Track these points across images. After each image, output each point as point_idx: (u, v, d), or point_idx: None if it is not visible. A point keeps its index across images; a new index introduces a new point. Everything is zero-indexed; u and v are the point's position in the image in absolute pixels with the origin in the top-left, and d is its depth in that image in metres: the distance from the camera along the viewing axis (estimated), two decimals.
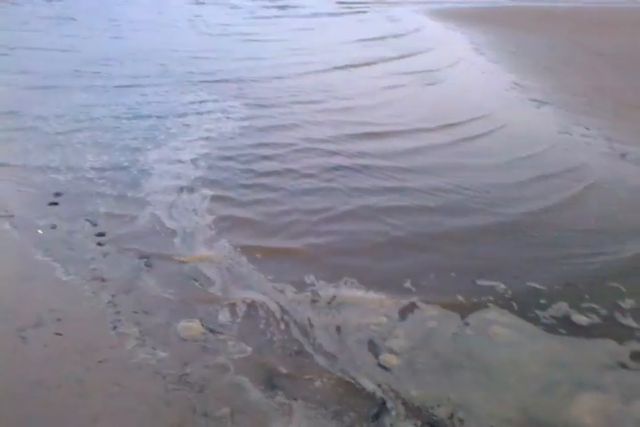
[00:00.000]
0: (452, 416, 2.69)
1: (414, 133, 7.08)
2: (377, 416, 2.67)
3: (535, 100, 8.82)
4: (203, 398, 2.73)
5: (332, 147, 6.52)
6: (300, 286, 3.74)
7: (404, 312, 3.46)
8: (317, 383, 2.88)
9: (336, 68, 11.02)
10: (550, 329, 3.38)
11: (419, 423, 2.64)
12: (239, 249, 4.15)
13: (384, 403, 2.75)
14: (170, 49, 12.34)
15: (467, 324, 3.38)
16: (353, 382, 2.89)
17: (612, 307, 3.62)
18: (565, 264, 4.12)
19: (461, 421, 2.67)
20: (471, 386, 2.89)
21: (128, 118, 7.46)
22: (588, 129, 7.69)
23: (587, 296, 3.74)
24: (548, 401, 2.81)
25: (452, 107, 8.58)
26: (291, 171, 5.76)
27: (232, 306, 3.49)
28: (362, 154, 6.27)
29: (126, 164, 5.81)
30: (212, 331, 3.24)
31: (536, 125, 7.76)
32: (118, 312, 3.41)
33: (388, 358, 3.10)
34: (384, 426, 2.63)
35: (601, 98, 9.11)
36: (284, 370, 2.97)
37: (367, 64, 11.58)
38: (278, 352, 3.10)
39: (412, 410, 2.72)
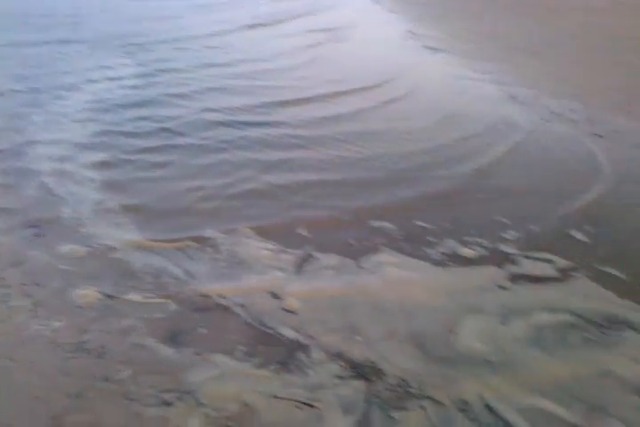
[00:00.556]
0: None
1: (332, 99, 7.03)
2: (284, 363, 2.77)
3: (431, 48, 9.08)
4: (103, 363, 2.71)
5: (241, 116, 6.31)
6: (200, 240, 3.76)
7: (302, 264, 3.59)
8: (225, 335, 2.95)
9: (245, 26, 10.53)
10: (439, 263, 3.65)
11: (333, 365, 2.78)
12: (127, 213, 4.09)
13: (296, 346, 2.87)
14: (49, 8, 11.06)
15: (361, 267, 3.57)
16: (261, 327, 2.98)
17: (496, 239, 3.98)
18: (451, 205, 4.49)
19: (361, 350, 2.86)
20: (368, 322, 3.08)
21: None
22: (481, 73, 8.05)
23: (472, 231, 4.07)
24: (435, 328, 3.06)
25: (360, 66, 8.61)
26: (186, 145, 5.56)
27: (128, 271, 3.42)
28: (278, 124, 6.12)
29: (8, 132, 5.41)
30: (109, 296, 3.18)
31: (432, 74, 8.01)
32: (8, 286, 3.25)
33: (290, 303, 3.22)
34: (301, 369, 2.74)
35: (492, 43, 9.44)
36: (188, 326, 3.00)
37: (277, 22, 11.15)
38: (179, 310, 3.11)
39: (324, 351, 2.86)
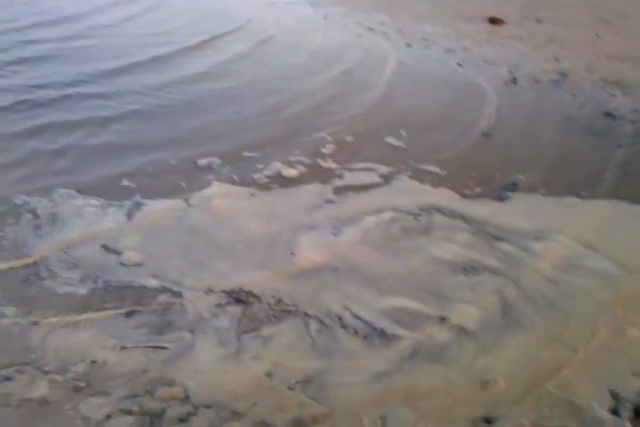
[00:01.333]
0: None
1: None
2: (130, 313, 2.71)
3: None
4: None
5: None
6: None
7: (132, 213, 3.45)
8: (62, 293, 2.80)
9: None
10: (265, 188, 3.76)
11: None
12: None
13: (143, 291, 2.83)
14: None
15: (190, 205, 3.53)
16: (100, 280, 2.88)
17: (316, 155, 4.17)
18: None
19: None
20: (204, 262, 3.10)
21: None
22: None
23: (295, 151, 4.20)
24: (276, 253, 3.18)
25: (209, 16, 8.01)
26: None
27: None
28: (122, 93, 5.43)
29: None
30: None
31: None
32: None
33: (129, 257, 3.10)
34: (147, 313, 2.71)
35: None
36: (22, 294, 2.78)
37: None
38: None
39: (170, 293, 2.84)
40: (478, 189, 3.73)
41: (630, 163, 4.06)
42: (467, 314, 2.72)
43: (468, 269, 3.02)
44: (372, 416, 2.19)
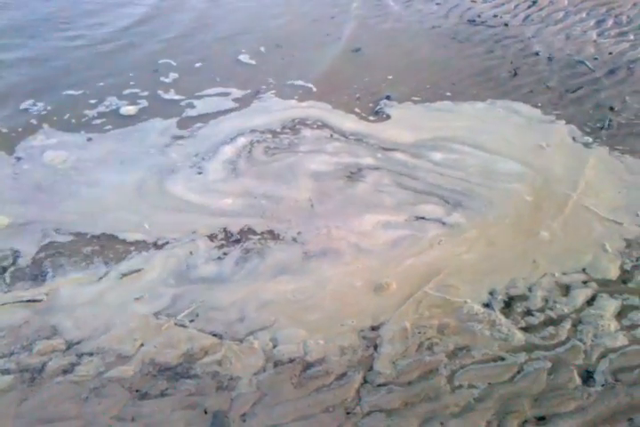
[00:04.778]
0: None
1: None
2: None
3: None
4: None
5: None
6: None
7: None
8: None
9: None
10: (101, 131, 3.36)
11: None
12: None
13: None
14: None
15: (19, 159, 3.14)
16: None
17: (155, 86, 3.77)
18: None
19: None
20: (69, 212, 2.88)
21: None
22: None
23: (131, 83, 3.80)
24: (156, 203, 2.98)
25: None
26: None
27: None
28: None
29: None
30: None
31: None
32: None
33: None
34: None
35: None
36: None
37: None
38: None
39: None
40: (350, 103, 3.62)
41: (493, 67, 4.09)
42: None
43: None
44: (263, 339, 2.22)
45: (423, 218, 2.78)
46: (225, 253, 2.58)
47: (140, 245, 2.62)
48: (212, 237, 2.67)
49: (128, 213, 2.80)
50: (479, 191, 2.95)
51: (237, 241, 2.64)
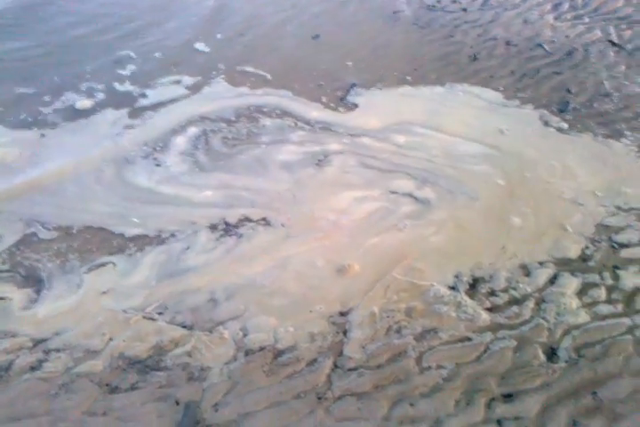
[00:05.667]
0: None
1: None
2: None
3: None
4: None
5: None
6: None
7: None
8: None
9: None
10: (56, 127, 3.30)
11: None
12: None
13: None
14: None
15: None
16: None
17: (112, 78, 3.72)
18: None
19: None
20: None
21: None
22: None
23: (88, 76, 3.75)
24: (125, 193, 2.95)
25: None
26: None
27: None
28: None
29: None
30: None
31: None
32: None
33: None
34: None
35: None
36: None
37: None
38: None
39: None
40: (314, 91, 3.61)
41: (454, 52, 4.11)
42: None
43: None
44: (233, 329, 2.22)
45: (396, 192, 2.83)
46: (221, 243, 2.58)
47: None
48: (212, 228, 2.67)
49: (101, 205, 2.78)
50: (444, 170, 2.99)
51: (235, 227, 2.64)
